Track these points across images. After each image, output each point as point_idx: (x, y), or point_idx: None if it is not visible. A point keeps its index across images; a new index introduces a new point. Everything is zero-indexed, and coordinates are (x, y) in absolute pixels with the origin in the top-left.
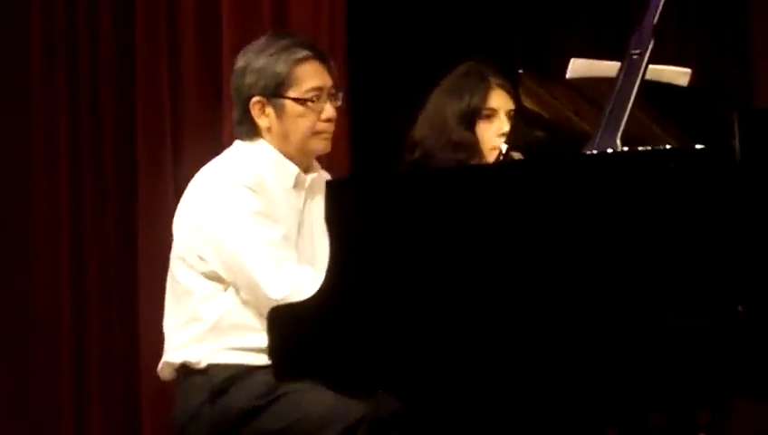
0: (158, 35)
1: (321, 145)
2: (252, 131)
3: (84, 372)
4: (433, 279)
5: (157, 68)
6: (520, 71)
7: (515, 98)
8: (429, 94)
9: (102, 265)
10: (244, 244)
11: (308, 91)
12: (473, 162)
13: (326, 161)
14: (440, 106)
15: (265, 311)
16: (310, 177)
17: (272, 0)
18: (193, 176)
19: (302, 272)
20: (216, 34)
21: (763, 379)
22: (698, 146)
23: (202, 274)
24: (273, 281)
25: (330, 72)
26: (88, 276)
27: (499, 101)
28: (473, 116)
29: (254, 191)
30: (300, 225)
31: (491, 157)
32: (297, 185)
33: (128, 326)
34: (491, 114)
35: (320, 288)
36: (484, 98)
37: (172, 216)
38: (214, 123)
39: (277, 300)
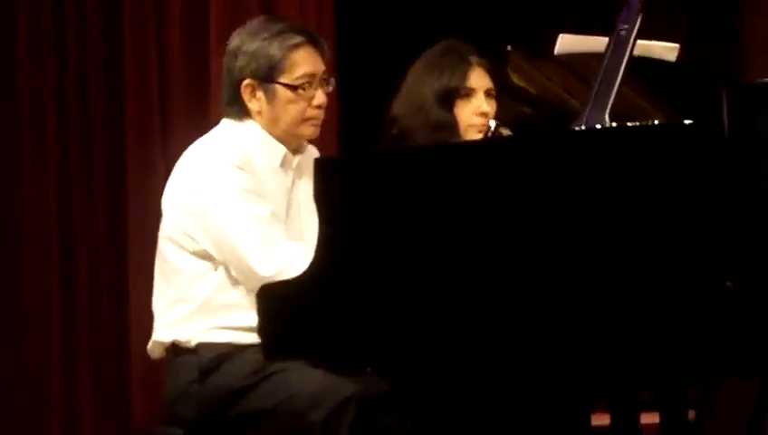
0: (147, 27)
1: (311, 131)
2: (241, 112)
3: (74, 352)
4: (421, 257)
5: (145, 64)
6: (508, 47)
7: (493, 76)
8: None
9: (92, 248)
10: (232, 221)
11: (300, 77)
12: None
13: (315, 144)
14: (418, 83)
15: (255, 288)
16: (297, 157)
17: None
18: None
19: (290, 249)
20: (204, 24)
21: (752, 355)
22: (687, 121)
23: (191, 253)
24: (262, 258)
25: (323, 56)
26: (78, 259)
27: (478, 79)
28: (451, 95)
29: (241, 169)
30: (288, 204)
31: (468, 135)
32: (284, 164)
33: (117, 306)
34: (469, 93)
35: (308, 266)
36: (463, 77)
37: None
38: (201, 114)
39: (266, 277)
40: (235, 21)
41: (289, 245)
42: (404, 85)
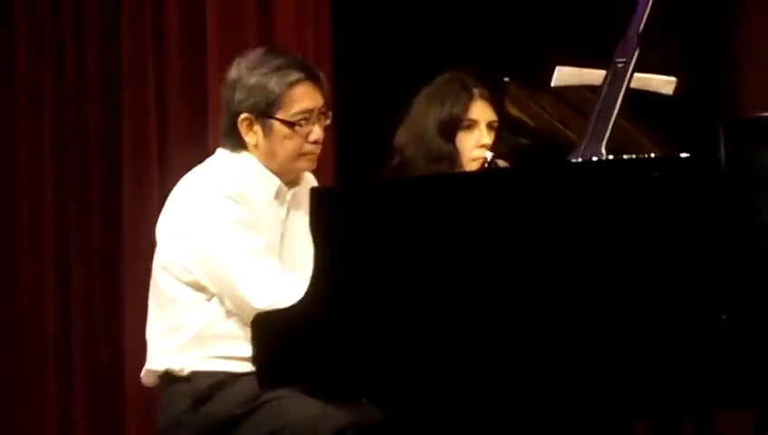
0: (144, 42)
1: (307, 165)
2: (238, 144)
3: (69, 379)
4: (417, 287)
5: (142, 74)
6: (506, 79)
7: (496, 109)
8: (406, 96)
9: (87, 273)
10: (226, 253)
11: (297, 113)
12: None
13: (312, 173)
14: (421, 114)
15: (248, 320)
16: (293, 190)
17: (256, 11)
18: (178, 181)
19: (286, 280)
20: (202, 44)
21: (746, 386)
22: (683, 155)
23: (185, 283)
24: (256, 290)
25: (322, 92)
26: (73, 283)
27: (480, 112)
28: (453, 126)
29: (236, 201)
30: (282, 235)
31: (470, 167)
32: (278, 196)
33: (112, 333)
34: (471, 125)
35: (303, 295)
36: (466, 108)
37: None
38: (199, 129)
39: (260, 309)
40: (231, 32)
41: (284, 275)
42: (407, 116)
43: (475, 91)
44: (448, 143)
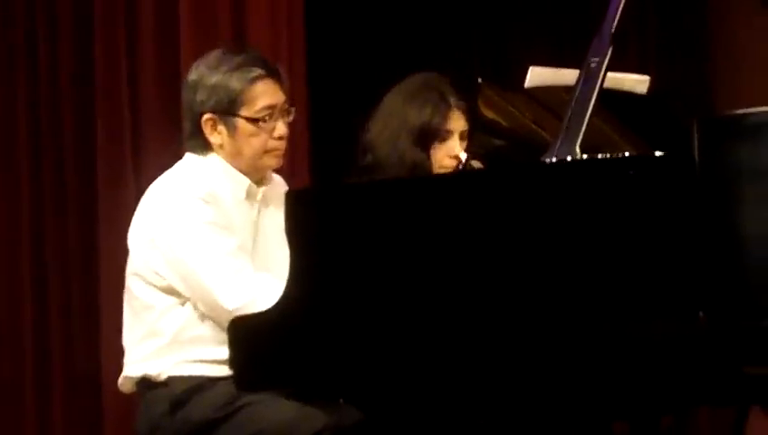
0: (117, 42)
1: (273, 162)
2: (203, 146)
3: (47, 385)
4: (394, 288)
5: (116, 74)
6: (479, 80)
7: (469, 117)
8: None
9: (64, 274)
10: (198, 255)
11: (260, 110)
12: None
13: (287, 171)
14: (396, 114)
15: (223, 322)
16: (262, 189)
17: (230, 11)
18: (153, 181)
19: (258, 281)
20: (175, 44)
21: (723, 385)
22: (657, 153)
23: (159, 288)
24: (227, 291)
25: (282, 88)
26: (49, 284)
27: (455, 122)
28: (429, 137)
29: (207, 202)
30: (254, 236)
31: None
32: (249, 196)
33: (89, 335)
34: (446, 136)
35: (280, 298)
36: (444, 120)
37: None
38: (173, 129)
39: (231, 311)
40: (204, 31)
41: (257, 276)
42: (382, 109)
43: (452, 101)
44: (422, 152)
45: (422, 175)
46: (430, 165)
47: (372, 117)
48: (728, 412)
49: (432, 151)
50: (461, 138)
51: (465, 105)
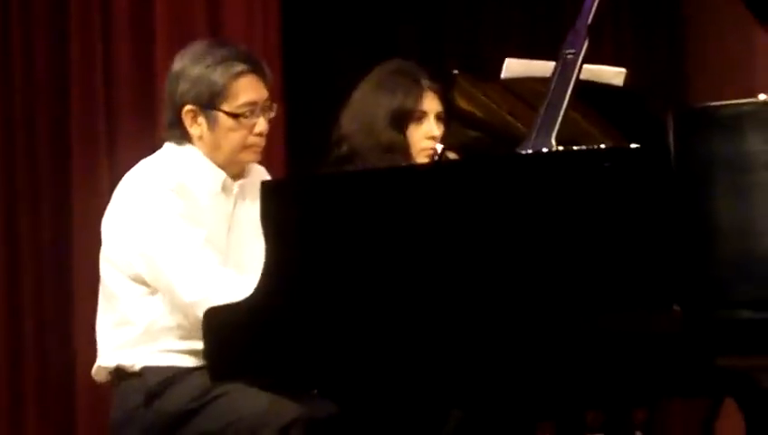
0: (93, 35)
1: (251, 157)
2: (182, 136)
3: (19, 379)
4: (368, 279)
5: (91, 67)
6: (455, 71)
7: (443, 100)
8: (355, 86)
9: (37, 268)
10: (162, 246)
11: (242, 105)
12: (402, 164)
13: (263, 163)
14: (370, 102)
15: (185, 314)
16: (238, 183)
17: (205, 3)
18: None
19: (221, 275)
20: (150, 38)
21: (696, 377)
22: (633, 145)
23: (130, 277)
24: (186, 283)
25: (266, 84)
26: (23, 279)
27: (429, 103)
28: (404, 118)
29: (177, 194)
30: (229, 229)
31: (419, 159)
32: (225, 189)
33: (63, 330)
34: (421, 117)
35: (255, 289)
36: (417, 100)
37: None
38: (147, 123)
39: (188, 303)
40: (180, 27)
41: (221, 271)
42: (353, 102)
43: (425, 82)
44: (399, 134)
45: (401, 157)
46: (407, 145)
47: (343, 112)
48: (701, 404)
49: (408, 133)
50: (437, 119)
51: (437, 87)
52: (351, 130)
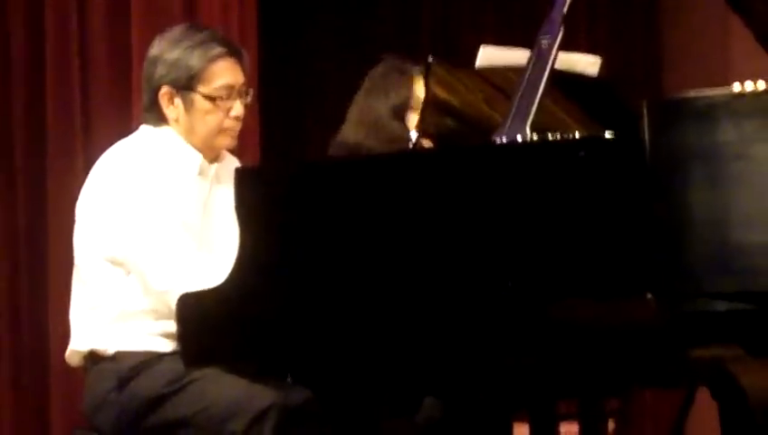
0: (68, 19)
1: (227, 142)
2: (159, 119)
3: None
4: (340, 266)
5: (66, 53)
6: (429, 59)
7: None
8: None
9: (11, 252)
10: (137, 229)
11: (219, 88)
12: None
13: (237, 150)
14: (368, 108)
15: (157, 300)
16: (215, 166)
17: None
18: None
19: (195, 262)
20: (126, 22)
21: (670, 366)
22: (607, 135)
23: (105, 259)
24: (157, 270)
25: (243, 68)
26: None
27: (421, 88)
28: (402, 110)
29: (153, 177)
30: (204, 213)
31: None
32: (201, 173)
33: (37, 313)
34: (416, 104)
35: (229, 274)
36: (409, 90)
37: None
38: (123, 107)
39: (159, 291)
40: (157, 18)
41: (196, 257)
42: (352, 114)
43: (412, 70)
44: (402, 125)
45: (406, 147)
46: (409, 134)
47: (341, 130)
48: (675, 395)
49: (409, 122)
50: None
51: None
52: (359, 137)
